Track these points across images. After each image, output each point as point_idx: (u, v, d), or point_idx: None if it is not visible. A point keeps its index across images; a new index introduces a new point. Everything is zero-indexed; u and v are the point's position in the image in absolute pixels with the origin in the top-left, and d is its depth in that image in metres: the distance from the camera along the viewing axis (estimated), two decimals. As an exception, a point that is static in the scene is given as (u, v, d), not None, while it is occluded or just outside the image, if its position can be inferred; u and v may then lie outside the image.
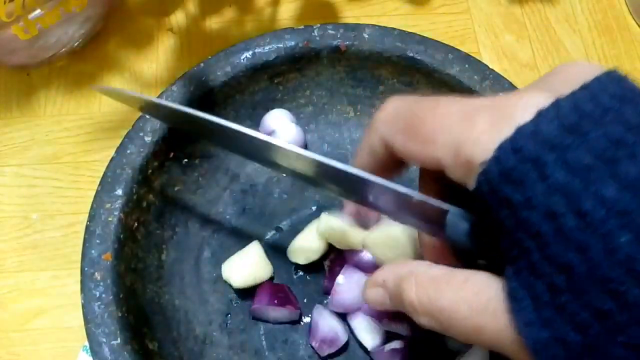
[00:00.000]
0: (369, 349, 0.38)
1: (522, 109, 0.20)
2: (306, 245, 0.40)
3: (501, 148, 0.20)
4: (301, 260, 0.40)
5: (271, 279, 0.40)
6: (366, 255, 0.39)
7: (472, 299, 0.22)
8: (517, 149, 0.20)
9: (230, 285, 0.40)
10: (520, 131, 0.20)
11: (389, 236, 0.37)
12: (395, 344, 0.37)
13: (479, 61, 0.41)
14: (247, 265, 0.39)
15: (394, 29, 0.42)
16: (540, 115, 0.20)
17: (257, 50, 0.42)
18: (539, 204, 0.19)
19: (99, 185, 0.37)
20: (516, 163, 0.20)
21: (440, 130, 0.23)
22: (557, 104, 0.20)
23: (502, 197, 0.20)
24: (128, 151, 0.38)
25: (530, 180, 0.19)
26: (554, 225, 0.19)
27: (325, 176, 0.27)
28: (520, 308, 0.20)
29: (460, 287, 0.23)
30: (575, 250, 0.18)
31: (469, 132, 0.21)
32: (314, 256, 0.40)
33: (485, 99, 0.22)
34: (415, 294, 0.25)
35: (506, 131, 0.20)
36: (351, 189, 0.27)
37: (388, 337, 0.38)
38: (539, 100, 0.20)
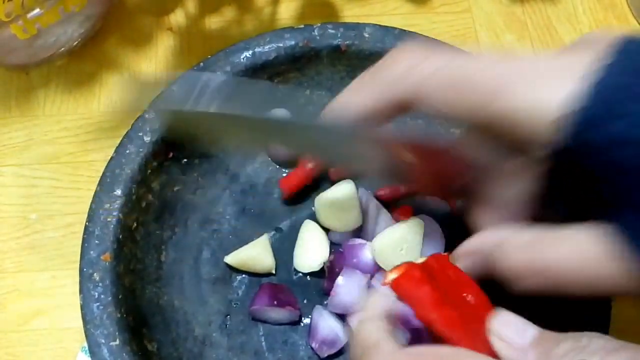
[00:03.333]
0: (369, 350, 0.38)
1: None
2: (311, 256, 0.40)
3: (598, 83, 0.21)
4: (305, 269, 0.40)
5: (273, 274, 0.41)
6: (366, 256, 0.38)
7: (578, 251, 0.23)
8: (611, 83, 0.20)
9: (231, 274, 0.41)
10: (606, 68, 0.20)
11: (394, 240, 0.37)
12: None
13: (480, 61, 0.41)
14: (255, 253, 0.40)
15: (394, 28, 0.42)
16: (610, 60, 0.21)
17: (257, 49, 0.41)
18: None
19: (98, 185, 0.37)
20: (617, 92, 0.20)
21: (505, 86, 0.23)
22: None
23: (603, 137, 0.20)
24: (127, 151, 0.38)
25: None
26: None
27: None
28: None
29: (560, 244, 0.23)
30: None
31: (543, 84, 0.22)
32: (317, 267, 0.40)
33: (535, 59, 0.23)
34: (514, 259, 0.25)
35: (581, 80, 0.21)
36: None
37: (388, 338, 0.38)
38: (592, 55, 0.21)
